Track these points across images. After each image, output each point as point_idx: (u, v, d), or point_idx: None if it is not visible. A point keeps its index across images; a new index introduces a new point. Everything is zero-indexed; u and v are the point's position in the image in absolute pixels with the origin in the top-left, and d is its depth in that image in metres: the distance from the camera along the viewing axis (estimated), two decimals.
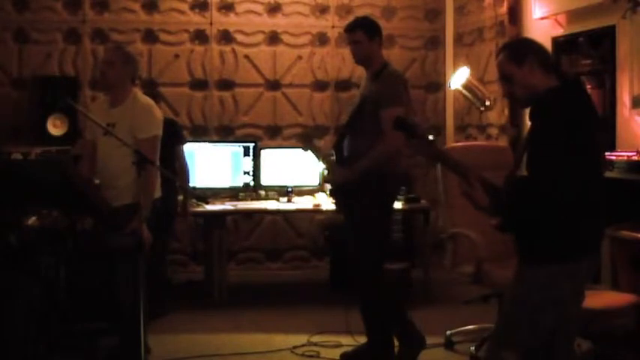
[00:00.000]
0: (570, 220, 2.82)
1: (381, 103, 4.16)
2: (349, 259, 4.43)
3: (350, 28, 4.36)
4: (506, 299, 3.11)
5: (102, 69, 4.35)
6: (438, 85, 6.98)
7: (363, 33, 4.30)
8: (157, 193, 4.33)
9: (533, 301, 2.90)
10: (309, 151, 4.67)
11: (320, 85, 6.77)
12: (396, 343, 4.40)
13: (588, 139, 2.87)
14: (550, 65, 2.99)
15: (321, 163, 4.69)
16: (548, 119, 2.84)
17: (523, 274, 2.98)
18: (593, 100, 3.00)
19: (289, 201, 6.01)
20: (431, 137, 3.03)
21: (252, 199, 6.09)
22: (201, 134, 6.53)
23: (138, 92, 4.46)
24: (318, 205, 5.93)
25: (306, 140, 5.04)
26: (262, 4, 6.65)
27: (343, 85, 6.79)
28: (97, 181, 4.32)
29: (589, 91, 4.79)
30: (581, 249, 2.92)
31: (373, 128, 4.16)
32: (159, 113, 4.37)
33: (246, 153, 6.16)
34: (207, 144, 6.24)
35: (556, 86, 2.93)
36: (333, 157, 4.45)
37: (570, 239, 2.86)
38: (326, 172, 5.07)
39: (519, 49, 3.01)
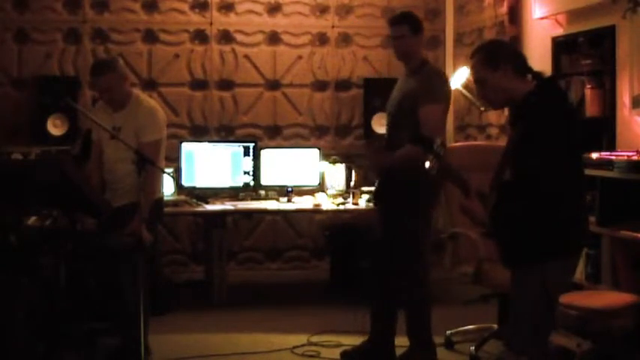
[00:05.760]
0: (565, 217, 2.89)
1: (419, 99, 4.10)
2: (375, 263, 4.47)
3: (395, 22, 4.29)
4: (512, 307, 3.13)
5: (108, 97, 4.32)
6: None
7: (407, 27, 4.23)
8: (159, 194, 4.38)
9: (535, 301, 2.93)
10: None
11: (320, 85, 6.77)
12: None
13: (571, 137, 2.94)
14: (524, 67, 3.03)
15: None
16: (532, 123, 2.89)
17: (522, 277, 3.01)
18: (570, 97, 3.04)
19: (289, 201, 6.00)
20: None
21: (252, 199, 6.09)
22: (201, 134, 6.53)
23: (140, 94, 4.53)
24: (318, 205, 5.93)
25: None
26: (262, 4, 6.65)
27: (343, 85, 6.78)
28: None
29: (589, 91, 4.82)
30: (576, 244, 3.02)
31: (412, 125, 4.04)
32: (163, 116, 4.45)
33: (246, 153, 6.16)
34: (207, 144, 6.23)
35: (533, 90, 2.97)
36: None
37: (565, 235, 2.93)
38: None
39: (494, 54, 3.03)
